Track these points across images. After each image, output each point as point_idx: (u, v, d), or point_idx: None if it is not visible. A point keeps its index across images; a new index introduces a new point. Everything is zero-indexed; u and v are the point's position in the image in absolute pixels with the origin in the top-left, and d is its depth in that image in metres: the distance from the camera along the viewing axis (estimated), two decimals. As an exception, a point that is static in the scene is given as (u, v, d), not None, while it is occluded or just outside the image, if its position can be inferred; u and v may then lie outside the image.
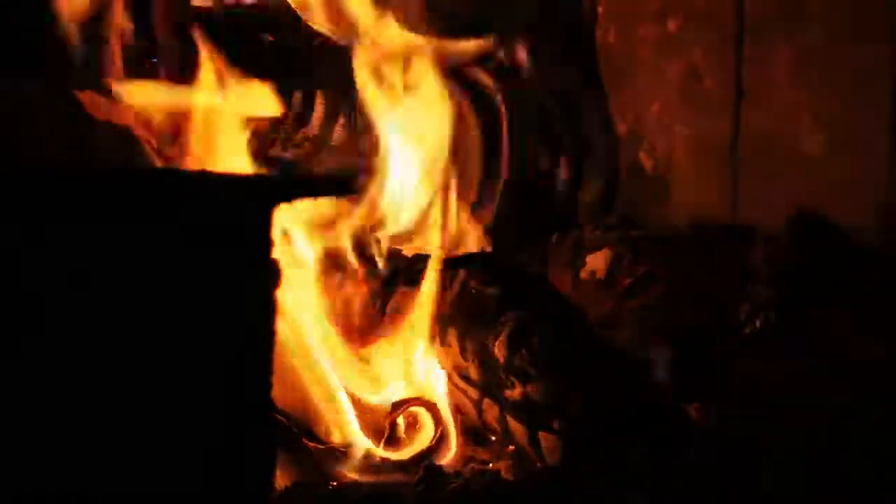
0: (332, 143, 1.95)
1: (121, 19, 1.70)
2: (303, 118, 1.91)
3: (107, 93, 1.71)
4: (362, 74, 1.86)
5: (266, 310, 1.03)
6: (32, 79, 1.63)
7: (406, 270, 1.71)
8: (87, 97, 1.69)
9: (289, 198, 1.06)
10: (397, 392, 1.58)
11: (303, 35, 1.92)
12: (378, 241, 1.84)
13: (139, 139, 1.72)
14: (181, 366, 0.98)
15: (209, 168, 1.61)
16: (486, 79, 2.11)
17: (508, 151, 2.12)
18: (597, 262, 2.02)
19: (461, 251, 1.95)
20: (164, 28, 1.77)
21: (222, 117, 1.67)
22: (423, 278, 1.65)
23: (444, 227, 1.99)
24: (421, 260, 1.73)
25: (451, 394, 1.56)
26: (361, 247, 1.81)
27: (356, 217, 1.88)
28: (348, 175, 1.89)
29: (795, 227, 1.98)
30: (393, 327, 1.64)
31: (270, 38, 1.90)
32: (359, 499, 1.33)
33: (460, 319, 1.54)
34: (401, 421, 1.52)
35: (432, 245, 1.94)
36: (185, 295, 0.97)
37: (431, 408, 1.52)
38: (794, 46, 2.04)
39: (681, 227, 2.13)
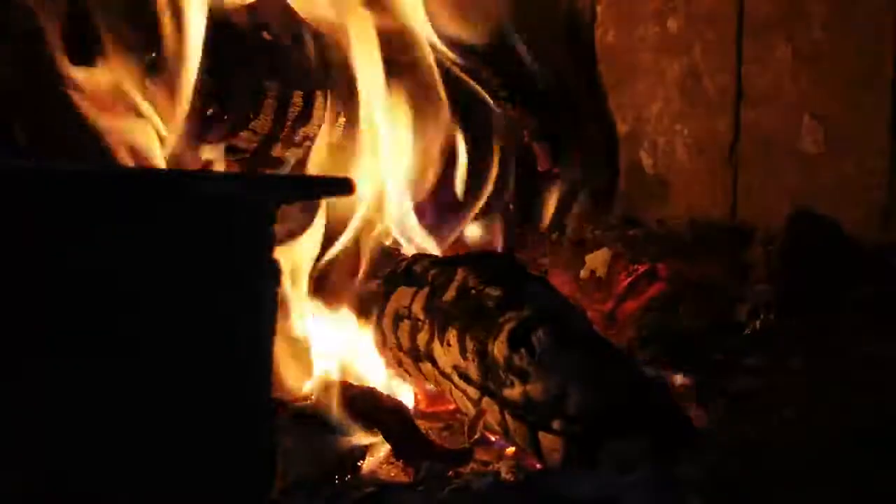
0: (333, 143, 1.96)
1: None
2: (303, 118, 1.92)
3: (107, 93, 1.71)
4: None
5: (266, 310, 1.03)
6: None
7: (406, 270, 1.71)
8: (85, 97, 1.69)
9: (289, 198, 1.06)
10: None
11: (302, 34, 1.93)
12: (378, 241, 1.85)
13: (138, 140, 1.72)
14: (180, 366, 0.98)
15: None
16: (487, 76, 2.12)
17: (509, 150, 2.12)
18: (597, 262, 2.02)
19: (462, 251, 1.95)
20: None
21: None
22: (422, 278, 1.66)
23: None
24: (421, 260, 1.73)
25: (451, 393, 1.56)
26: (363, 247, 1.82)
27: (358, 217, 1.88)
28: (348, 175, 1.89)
29: (795, 227, 1.97)
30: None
31: (269, 38, 1.90)
32: (359, 498, 1.33)
33: (460, 319, 1.54)
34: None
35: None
36: (184, 295, 0.97)
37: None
38: (794, 46, 2.04)
39: (681, 227, 2.13)
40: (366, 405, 1.51)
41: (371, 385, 1.63)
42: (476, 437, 1.50)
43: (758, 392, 1.55)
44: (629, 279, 1.95)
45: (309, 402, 1.56)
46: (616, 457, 1.31)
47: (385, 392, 1.60)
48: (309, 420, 1.49)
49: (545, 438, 1.37)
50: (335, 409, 1.49)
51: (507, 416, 1.43)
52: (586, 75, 2.31)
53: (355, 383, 1.61)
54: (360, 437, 1.47)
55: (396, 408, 1.54)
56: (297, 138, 1.91)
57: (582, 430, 1.35)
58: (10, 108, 1.62)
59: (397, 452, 1.47)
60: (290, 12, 1.92)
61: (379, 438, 1.48)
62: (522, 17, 2.22)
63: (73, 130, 1.65)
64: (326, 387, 1.55)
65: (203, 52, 1.75)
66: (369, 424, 1.48)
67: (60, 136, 1.65)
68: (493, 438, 1.51)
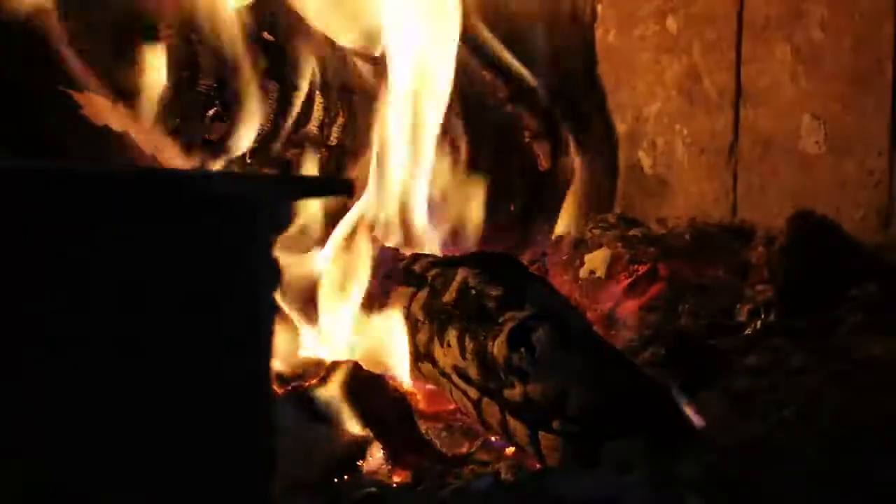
0: (332, 143, 1.96)
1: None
2: (303, 118, 1.92)
3: (105, 94, 1.71)
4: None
5: (266, 310, 1.03)
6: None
7: (406, 270, 1.71)
8: (85, 98, 1.69)
9: (289, 198, 1.06)
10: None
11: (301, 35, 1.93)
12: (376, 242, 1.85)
13: (138, 140, 1.72)
14: (180, 366, 0.98)
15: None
16: (487, 77, 2.12)
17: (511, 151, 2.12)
18: (596, 261, 2.02)
19: (461, 251, 1.95)
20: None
21: None
22: (421, 278, 1.66)
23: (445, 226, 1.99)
24: (420, 260, 1.73)
25: (451, 394, 1.56)
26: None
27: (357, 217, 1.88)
28: (348, 175, 1.89)
29: (795, 227, 1.97)
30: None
31: (270, 38, 1.90)
32: (359, 498, 1.33)
33: (460, 319, 1.54)
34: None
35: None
36: (183, 295, 0.97)
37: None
38: (794, 46, 2.04)
39: (681, 227, 2.13)
40: (368, 390, 1.50)
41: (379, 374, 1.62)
42: (476, 447, 1.51)
43: (758, 392, 1.55)
44: (629, 279, 1.95)
45: (314, 383, 1.56)
46: (616, 457, 1.31)
47: (392, 385, 1.60)
48: (307, 404, 1.49)
49: (545, 438, 1.37)
50: (338, 391, 1.48)
51: (508, 416, 1.43)
52: (586, 75, 2.31)
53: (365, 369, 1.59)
54: (356, 429, 1.46)
55: (399, 400, 1.53)
56: (297, 138, 1.91)
57: (581, 430, 1.35)
58: (10, 107, 1.62)
59: (390, 451, 1.46)
60: (290, 12, 1.92)
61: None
62: (523, 16, 2.22)
63: (73, 130, 1.65)
64: (333, 367, 1.54)
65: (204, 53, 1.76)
66: (367, 414, 1.47)
67: (59, 136, 1.65)
68: (493, 438, 1.51)
